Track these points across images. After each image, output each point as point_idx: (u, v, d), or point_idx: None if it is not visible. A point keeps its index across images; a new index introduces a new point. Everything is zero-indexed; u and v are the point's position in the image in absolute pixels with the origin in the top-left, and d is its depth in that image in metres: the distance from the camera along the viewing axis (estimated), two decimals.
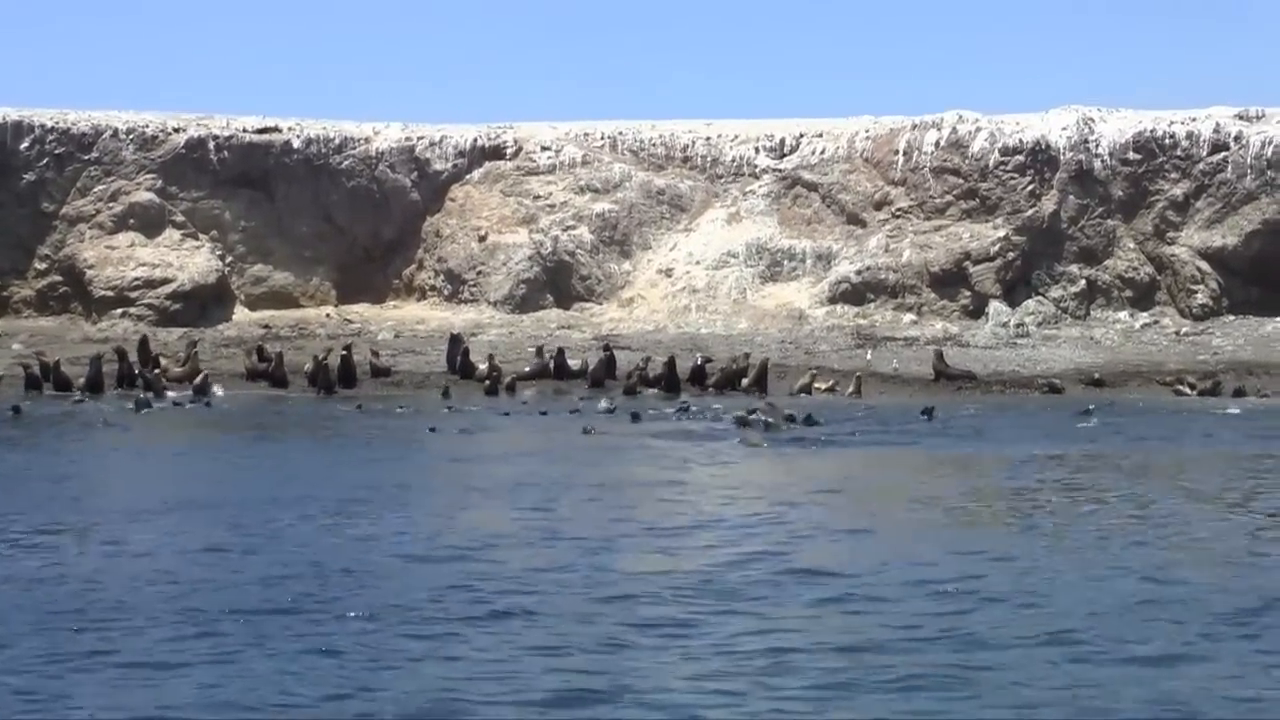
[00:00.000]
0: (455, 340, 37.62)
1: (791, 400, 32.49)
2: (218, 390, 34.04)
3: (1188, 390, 35.12)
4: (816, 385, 35.11)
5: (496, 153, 45.45)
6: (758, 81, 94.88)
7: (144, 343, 37.22)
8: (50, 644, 10.52)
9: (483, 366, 36.08)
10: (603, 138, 46.15)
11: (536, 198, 44.58)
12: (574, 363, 36.97)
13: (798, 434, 25.96)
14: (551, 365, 36.74)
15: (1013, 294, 41.74)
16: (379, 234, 44.93)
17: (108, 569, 13.23)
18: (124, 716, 9.04)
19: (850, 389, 34.70)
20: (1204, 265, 41.80)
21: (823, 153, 44.80)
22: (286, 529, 15.43)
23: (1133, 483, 19.73)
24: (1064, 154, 42.61)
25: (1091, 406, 30.58)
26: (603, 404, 31.33)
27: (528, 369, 36.69)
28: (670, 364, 35.76)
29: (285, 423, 28.63)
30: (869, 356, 38.40)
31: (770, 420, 26.74)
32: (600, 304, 43.26)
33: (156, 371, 35.43)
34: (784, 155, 45.15)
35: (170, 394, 33.52)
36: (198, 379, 34.17)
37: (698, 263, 43.40)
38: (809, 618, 11.45)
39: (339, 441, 25.10)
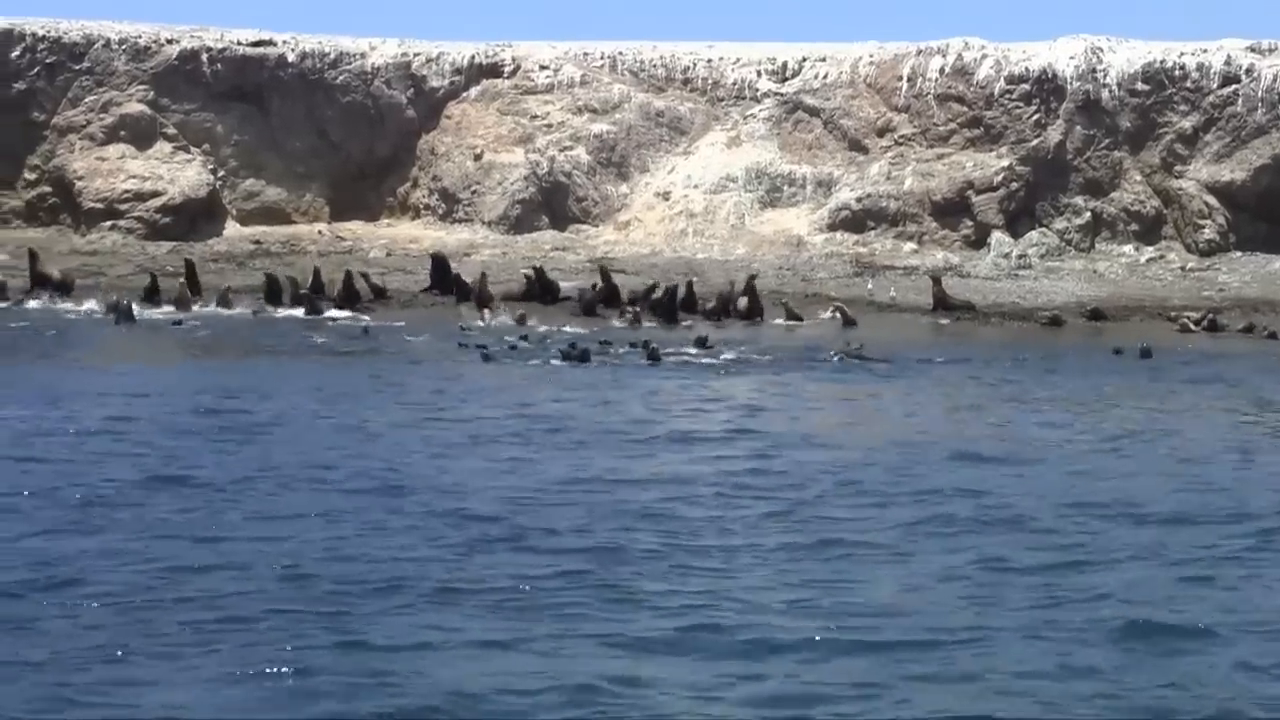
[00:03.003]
0: (438, 261, 36.76)
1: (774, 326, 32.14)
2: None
3: (1192, 326, 34.32)
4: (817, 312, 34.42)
5: (494, 71, 44.64)
6: (761, 3, 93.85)
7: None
8: None
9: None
10: (602, 58, 45.30)
11: (533, 117, 43.82)
12: (567, 285, 36.07)
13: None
14: (538, 287, 35.76)
15: (1016, 225, 41.02)
16: (373, 151, 44.15)
17: None
18: None
19: (834, 315, 33.88)
20: (1211, 200, 41.05)
21: (825, 77, 43.94)
22: None
23: None
24: (1071, 84, 41.76)
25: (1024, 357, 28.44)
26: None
27: (515, 289, 35.83)
28: (673, 291, 34.44)
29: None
30: (870, 286, 37.73)
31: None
32: (596, 226, 42.55)
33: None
34: (786, 79, 44.30)
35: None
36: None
37: (696, 186, 42.66)
38: None
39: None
